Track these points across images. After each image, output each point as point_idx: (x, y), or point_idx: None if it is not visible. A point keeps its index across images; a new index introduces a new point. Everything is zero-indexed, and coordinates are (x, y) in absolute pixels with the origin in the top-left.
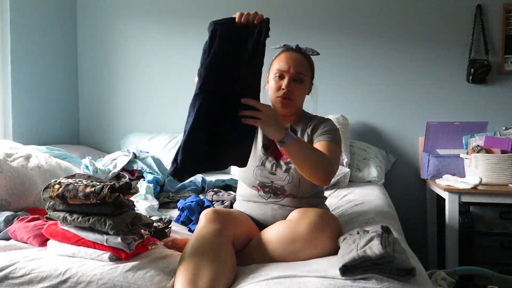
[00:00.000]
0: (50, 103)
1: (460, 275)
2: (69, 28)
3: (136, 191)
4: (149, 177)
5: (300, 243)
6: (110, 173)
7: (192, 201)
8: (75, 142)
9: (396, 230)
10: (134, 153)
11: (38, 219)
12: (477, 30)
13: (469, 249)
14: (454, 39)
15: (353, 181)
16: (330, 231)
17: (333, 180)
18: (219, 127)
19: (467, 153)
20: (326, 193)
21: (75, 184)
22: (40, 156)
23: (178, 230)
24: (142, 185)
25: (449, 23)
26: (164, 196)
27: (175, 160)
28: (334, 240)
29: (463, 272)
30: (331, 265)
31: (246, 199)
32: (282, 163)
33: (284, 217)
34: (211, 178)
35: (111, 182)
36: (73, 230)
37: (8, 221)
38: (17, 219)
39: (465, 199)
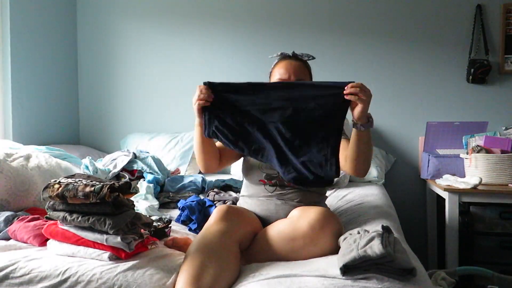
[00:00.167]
0: (50, 103)
1: (460, 275)
2: (69, 28)
3: (136, 191)
4: (149, 177)
5: (301, 241)
6: (110, 173)
7: (193, 201)
8: (75, 142)
9: (396, 230)
10: (134, 153)
11: (38, 219)
12: (477, 30)
13: (469, 249)
14: (454, 39)
15: (353, 181)
16: (330, 229)
17: None
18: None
19: (467, 153)
20: (326, 193)
21: (75, 184)
22: (40, 156)
23: (178, 230)
24: (142, 185)
25: (449, 23)
26: (164, 196)
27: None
28: (334, 238)
29: (463, 272)
30: (332, 264)
31: (250, 196)
32: None
33: (287, 213)
34: (211, 178)
35: (111, 181)
36: (73, 230)
37: (8, 221)
38: (17, 219)
39: (465, 199)
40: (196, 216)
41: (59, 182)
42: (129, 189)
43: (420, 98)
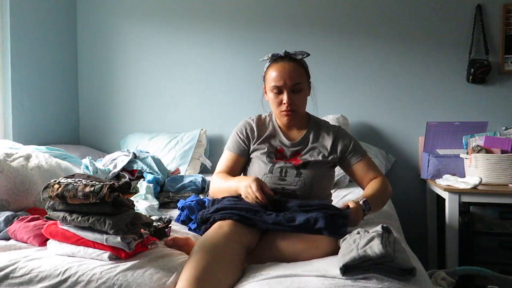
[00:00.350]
0: (50, 103)
1: (460, 275)
2: (69, 28)
3: (136, 191)
4: (149, 177)
5: (303, 244)
6: (110, 173)
7: (192, 201)
8: (75, 142)
9: (396, 230)
10: (134, 153)
11: (38, 219)
12: (477, 30)
13: (469, 249)
14: (454, 39)
15: (353, 181)
16: None
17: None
18: None
19: (467, 153)
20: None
21: (75, 184)
22: (40, 156)
23: (178, 230)
24: (142, 185)
25: (449, 23)
26: (164, 196)
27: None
28: (335, 240)
29: (463, 272)
30: (332, 264)
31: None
32: (292, 168)
33: None
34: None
35: (111, 181)
36: (72, 230)
37: (8, 221)
38: (17, 219)
39: (465, 199)
40: (196, 216)
41: (59, 182)
42: (129, 189)
43: (420, 98)
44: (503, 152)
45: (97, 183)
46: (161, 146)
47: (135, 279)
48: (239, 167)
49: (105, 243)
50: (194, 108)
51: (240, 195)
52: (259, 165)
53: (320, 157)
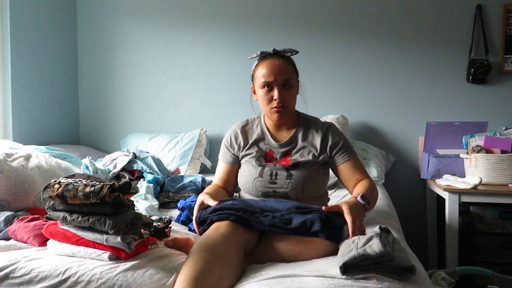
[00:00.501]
0: (50, 103)
1: (460, 275)
2: (69, 28)
3: (136, 191)
4: (149, 177)
5: (302, 246)
6: (110, 173)
7: (192, 201)
8: (75, 142)
9: (396, 230)
10: (134, 153)
11: (38, 219)
12: (477, 30)
13: (469, 249)
14: (454, 39)
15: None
16: None
17: (332, 180)
18: None
19: (467, 153)
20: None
21: (75, 184)
22: (40, 156)
23: (178, 230)
24: (142, 185)
25: (449, 23)
26: (164, 196)
27: None
28: (334, 243)
29: (463, 272)
30: (332, 264)
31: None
32: (282, 169)
33: None
34: (211, 178)
35: (111, 182)
36: (73, 230)
37: (8, 221)
38: (17, 219)
39: (465, 199)
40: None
41: (59, 182)
42: (129, 189)
43: (420, 98)
44: (503, 152)
45: (97, 183)
46: (161, 146)
47: (135, 279)
48: (233, 176)
49: (105, 243)
50: (194, 108)
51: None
52: (249, 170)
53: (310, 157)
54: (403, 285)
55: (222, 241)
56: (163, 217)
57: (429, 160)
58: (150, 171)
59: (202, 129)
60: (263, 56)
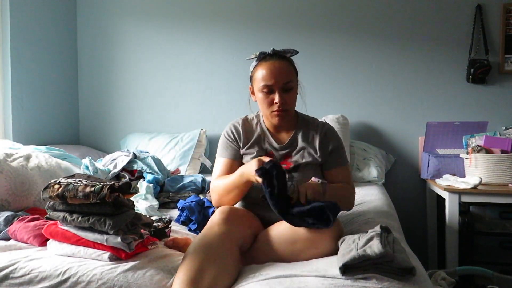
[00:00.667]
0: (50, 103)
1: (460, 275)
2: (69, 28)
3: (136, 191)
4: (149, 177)
5: (301, 244)
6: (110, 173)
7: (192, 201)
8: (75, 142)
9: (396, 230)
10: (134, 153)
11: (38, 219)
12: (477, 30)
13: (469, 249)
14: (454, 39)
15: (353, 181)
16: (330, 232)
17: None
18: None
19: (467, 153)
20: None
21: (75, 184)
22: (40, 156)
23: (178, 230)
24: (142, 185)
25: (449, 23)
26: (164, 196)
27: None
28: (334, 241)
29: (463, 272)
30: (331, 264)
31: (250, 203)
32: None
33: None
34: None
35: (111, 182)
36: (73, 230)
37: (8, 221)
38: (17, 219)
39: (465, 199)
40: (196, 216)
41: (59, 182)
42: (129, 189)
43: (420, 98)
44: (503, 152)
45: (97, 183)
46: (161, 146)
47: (136, 280)
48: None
49: (105, 244)
50: (194, 108)
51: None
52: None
53: (310, 159)
54: (403, 285)
55: (217, 240)
56: (163, 217)
57: (429, 160)
58: (150, 171)
59: (202, 129)
60: (262, 57)
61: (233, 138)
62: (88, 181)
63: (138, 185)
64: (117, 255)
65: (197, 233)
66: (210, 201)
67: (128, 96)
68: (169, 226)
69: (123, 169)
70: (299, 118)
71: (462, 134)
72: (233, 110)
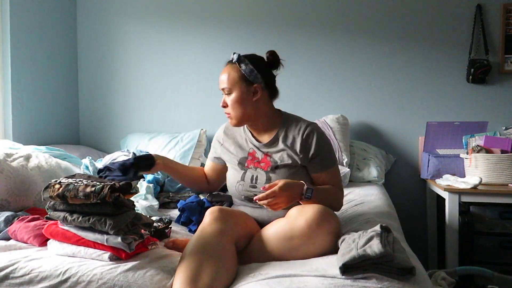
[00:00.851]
0: (50, 103)
1: (460, 275)
2: (69, 28)
3: (136, 191)
4: (149, 177)
5: (298, 240)
6: None
7: (192, 201)
8: (75, 142)
9: (396, 230)
10: (134, 153)
11: (38, 219)
12: (477, 30)
13: (469, 249)
14: (454, 39)
15: (353, 181)
16: (328, 227)
17: None
18: None
19: (467, 153)
20: None
21: (76, 184)
22: (40, 156)
23: (178, 231)
24: (142, 185)
25: (449, 23)
26: (164, 196)
27: None
28: (332, 236)
29: (463, 272)
30: (331, 264)
31: (241, 205)
32: (261, 173)
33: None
34: None
35: (111, 182)
36: (73, 230)
37: (8, 221)
38: (17, 219)
39: (465, 199)
40: (196, 217)
41: (60, 182)
42: (130, 189)
43: (420, 98)
44: (503, 152)
45: (98, 183)
46: (161, 146)
47: (136, 280)
48: (214, 173)
49: (105, 244)
50: (194, 108)
51: None
52: (233, 173)
53: (290, 161)
54: (403, 285)
55: (211, 239)
56: (163, 217)
57: (429, 160)
58: None
59: (202, 129)
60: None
61: (215, 147)
62: (89, 181)
63: (138, 185)
64: (117, 255)
65: None
66: (210, 202)
67: (128, 96)
68: (169, 226)
69: None
70: (283, 119)
71: (462, 134)
72: None
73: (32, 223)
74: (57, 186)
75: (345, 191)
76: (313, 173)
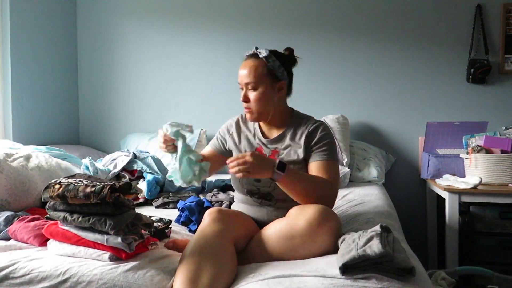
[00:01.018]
0: (50, 103)
1: (460, 275)
2: (69, 28)
3: (136, 191)
4: (149, 177)
5: (299, 239)
6: (110, 173)
7: (192, 202)
8: (75, 142)
9: (396, 230)
10: (134, 153)
11: (38, 219)
12: (477, 30)
13: (469, 249)
14: (454, 39)
15: (353, 181)
16: (328, 227)
17: None
18: None
19: (467, 153)
20: None
21: (76, 184)
22: (40, 156)
23: (178, 231)
24: (142, 186)
25: (449, 23)
26: (164, 196)
27: None
28: (333, 236)
29: (463, 272)
30: (331, 264)
31: (242, 203)
32: None
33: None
34: (211, 178)
35: (111, 182)
36: (73, 230)
37: (8, 221)
38: (17, 219)
39: (465, 199)
40: (196, 217)
41: (60, 182)
42: (130, 189)
43: (420, 98)
44: (503, 152)
45: (98, 183)
46: None
47: (136, 280)
48: (216, 163)
49: (105, 244)
50: (194, 108)
51: None
52: None
53: (295, 157)
54: (403, 285)
55: (210, 240)
56: (163, 217)
57: (429, 160)
58: (150, 171)
59: (202, 129)
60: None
61: (222, 134)
62: (89, 181)
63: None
64: (117, 255)
65: None
66: (210, 202)
67: (128, 96)
68: (170, 226)
69: (123, 169)
70: (294, 116)
71: (462, 134)
72: (233, 110)
73: (32, 223)
74: (57, 186)
75: (345, 191)
76: (310, 162)
